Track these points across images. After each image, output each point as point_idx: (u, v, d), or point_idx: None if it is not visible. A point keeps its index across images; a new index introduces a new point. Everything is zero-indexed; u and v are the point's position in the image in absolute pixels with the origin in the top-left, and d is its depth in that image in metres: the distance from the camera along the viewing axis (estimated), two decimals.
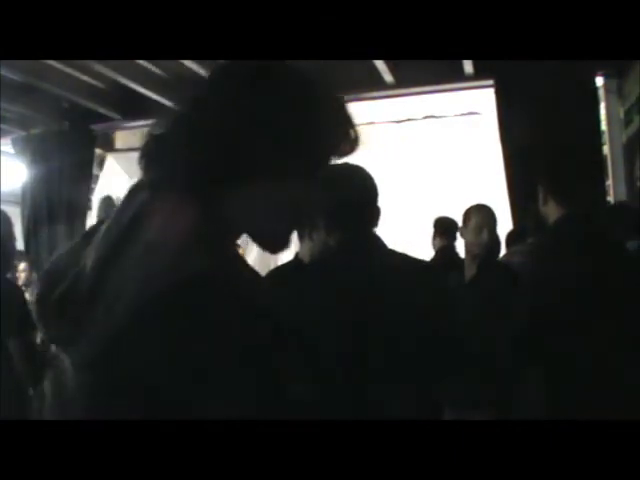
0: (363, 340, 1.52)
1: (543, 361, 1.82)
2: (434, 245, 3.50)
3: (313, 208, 1.03)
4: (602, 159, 3.61)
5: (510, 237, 3.03)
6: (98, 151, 5.03)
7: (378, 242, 1.64)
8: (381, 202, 1.66)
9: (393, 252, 1.64)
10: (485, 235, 2.44)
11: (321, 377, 1.56)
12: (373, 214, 1.64)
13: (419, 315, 1.53)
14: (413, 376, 1.53)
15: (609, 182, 3.70)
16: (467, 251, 2.59)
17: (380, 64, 3.65)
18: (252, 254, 5.15)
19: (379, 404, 1.49)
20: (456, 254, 3.34)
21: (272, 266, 4.02)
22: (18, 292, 2.29)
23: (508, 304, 2.12)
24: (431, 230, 3.54)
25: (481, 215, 2.48)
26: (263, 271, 4.82)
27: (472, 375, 1.61)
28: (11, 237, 2.17)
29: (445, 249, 3.41)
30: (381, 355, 1.52)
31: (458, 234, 2.87)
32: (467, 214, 2.56)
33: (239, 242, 3.87)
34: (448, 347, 1.54)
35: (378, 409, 1.48)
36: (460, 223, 2.64)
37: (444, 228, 3.46)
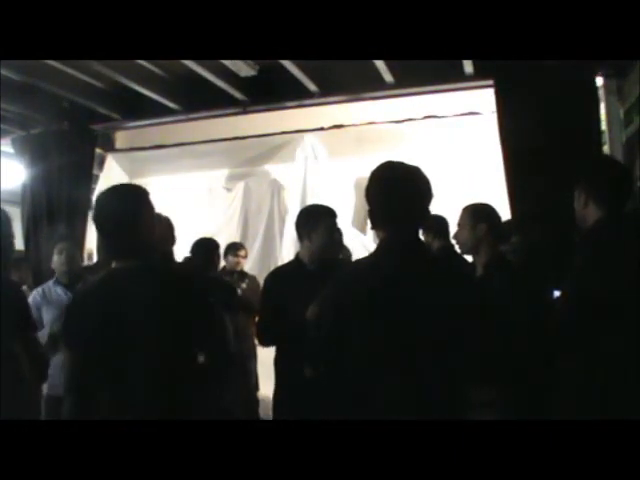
0: (397, 340, 1.55)
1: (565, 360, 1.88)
2: (432, 246, 3.48)
3: None
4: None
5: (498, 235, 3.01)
6: (98, 151, 5.03)
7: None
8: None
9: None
10: (463, 232, 2.46)
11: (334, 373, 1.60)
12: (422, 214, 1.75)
13: (452, 315, 1.57)
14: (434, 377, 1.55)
15: None
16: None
17: (380, 64, 3.65)
18: (253, 255, 5.15)
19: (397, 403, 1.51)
20: (454, 252, 3.33)
21: (272, 266, 4.02)
22: (20, 292, 2.27)
23: (518, 303, 2.16)
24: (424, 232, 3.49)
25: (463, 215, 2.50)
26: (263, 271, 4.78)
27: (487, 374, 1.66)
28: (10, 236, 2.16)
29: (443, 249, 3.40)
30: (405, 354, 1.54)
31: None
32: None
33: (240, 243, 3.88)
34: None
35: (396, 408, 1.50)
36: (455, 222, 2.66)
37: (436, 228, 3.43)
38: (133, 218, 1.78)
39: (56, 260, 3.30)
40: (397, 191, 1.67)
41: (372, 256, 1.71)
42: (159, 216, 2.96)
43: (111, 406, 1.70)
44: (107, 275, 1.85)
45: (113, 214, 1.79)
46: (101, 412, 1.68)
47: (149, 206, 1.84)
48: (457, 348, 1.55)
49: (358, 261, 1.84)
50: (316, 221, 2.67)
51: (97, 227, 1.83)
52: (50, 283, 3.33)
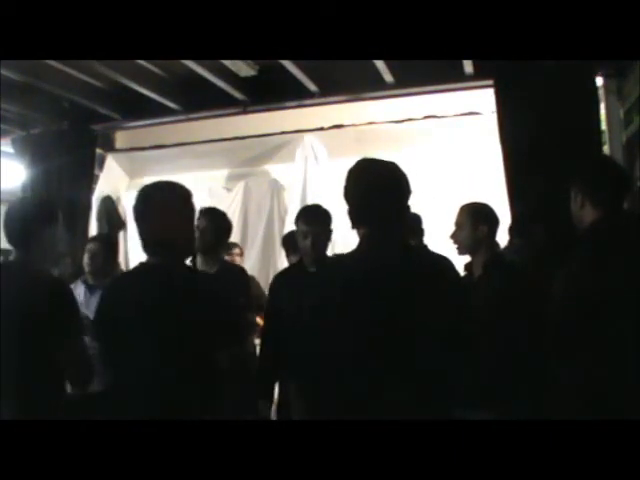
0: (378, 339, 1.55)
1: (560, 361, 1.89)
2: None
3: None
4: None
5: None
6: (98, 151, 5.02)
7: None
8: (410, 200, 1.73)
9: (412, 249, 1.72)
10: (462, 233, 2.44)
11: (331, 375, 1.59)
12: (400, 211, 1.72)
13: (436, 313, 1.56)
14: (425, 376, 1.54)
15: None
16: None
17: (380, 64, 3.65)
18: (252, 256, 5.15)
19: (391, 403, 1.51)
20: (429, 251, 3.28)
21: (272, 268, 4.02)
22: (68, 291, 2.14)
23: (518, 303, 2.17)
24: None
25: (461, 214, 2.48)
26: (263, 271, 4.76)
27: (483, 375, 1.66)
28: (55, 226, 2.15)
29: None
30: (396, 353, 1.54)
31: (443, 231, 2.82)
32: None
33: (239, 243, 3.88)
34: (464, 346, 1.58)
35: (389, 408, 1.50)
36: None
37: (411, 226, 3.37)
38: (167, 215, 1.77)
39: (84, 260, 3.31)
40: (378, 187, 1.66)
41: (355, 254, 1.68)
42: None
43: (129, 402, 1.72)
44: (134, 270, 1.88)
45: (150, 209, 1.79)
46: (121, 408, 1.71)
47: (188, 205, 1.85)
48: (445, 346, 1.55)
49: (340, 260, 1.83)
50: (296, 226, 2.69)
51: (135, 219, 1.83)
52: (78, 282, 3.32)
